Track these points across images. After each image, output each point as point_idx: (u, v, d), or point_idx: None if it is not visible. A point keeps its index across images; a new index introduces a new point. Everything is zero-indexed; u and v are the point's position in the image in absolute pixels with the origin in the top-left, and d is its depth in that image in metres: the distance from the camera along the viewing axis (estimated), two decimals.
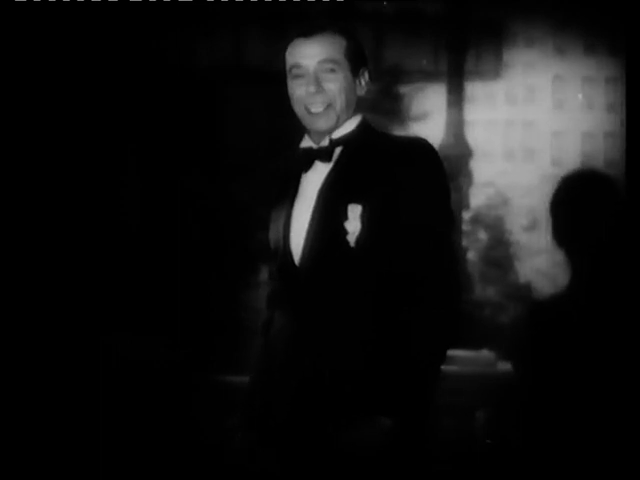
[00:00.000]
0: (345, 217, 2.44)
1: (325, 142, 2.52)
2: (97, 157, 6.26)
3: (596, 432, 2.68)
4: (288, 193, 2.56)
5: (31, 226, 5.71)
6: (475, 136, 7.26)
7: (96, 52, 6.18)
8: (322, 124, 2.50)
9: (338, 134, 2.52)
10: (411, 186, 2.44)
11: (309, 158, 2.54)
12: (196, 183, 6.72)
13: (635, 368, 2.67)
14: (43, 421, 5.20)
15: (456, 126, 7.20)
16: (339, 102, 2.49)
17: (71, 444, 5.14)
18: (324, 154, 2.52)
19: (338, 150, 2.53)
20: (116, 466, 5.12)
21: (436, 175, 2.48)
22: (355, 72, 2.52)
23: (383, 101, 7.15)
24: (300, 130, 2.57)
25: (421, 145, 2.49)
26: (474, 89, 7.31)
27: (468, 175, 7.06)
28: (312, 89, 2.47)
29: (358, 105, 2.55)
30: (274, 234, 2.57)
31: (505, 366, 5.70)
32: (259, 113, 6.82)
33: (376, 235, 2.43)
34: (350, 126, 2.54)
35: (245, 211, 6.30)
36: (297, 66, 2.48)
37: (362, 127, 2.54)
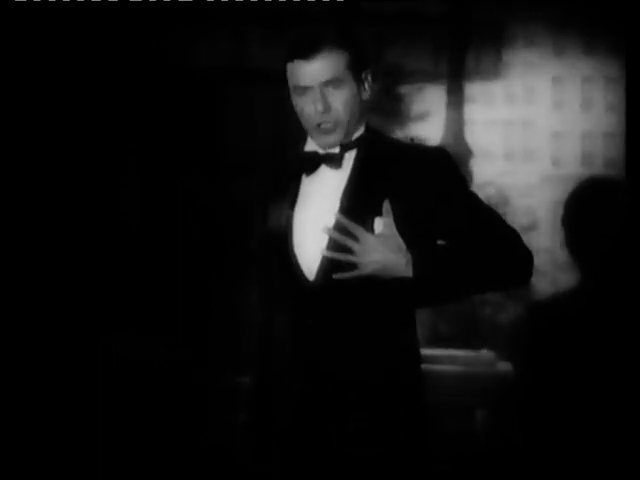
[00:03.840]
0: (372, 230, 2.42)
1: (335, 148, 2.49)
2: (97, 157, 6.26)
3: (596, 432, 2.68)
4: (285, 197, 2.53)
5: (31, 226, 5.71)
6: (475, 136, 7.26)
7: (96, 52, 6.18)
8: (331, 140, 2.48)
9: (348, 139, 2.50)
10: (448, 193, 2.44)
11: (314, 162, 2.51)
12: (196, 183, 6.72)
13: (636, 368, 2.67)
14: (44, 421, 5.20)
15: (456, 126, 7.20)
16: (347, 117, 2.47)
17: (72, 443, 5.13)
18: (334, 160, 2.49)
19: (348, 156, 2.50)
20: (116, 466, 5.11)
21: (465, 180, 2.48)
22: (358, 79, 2.50)
23: (383, 101, 7.14)
24: (301, 130, 2.55)
25: (443, 154, 2.48)
26: (474, 89, 7.30)
27: (468, 175, 7.06)
28: (320, 107, 2.45)
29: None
30: (273, 239, 2.54)
31: (505, 366, 5.71)
32: (259, 113, 6.82)
33: (411, 242, 2.41)
34: (358, 132, 2.52)
35: (245, 211, 6.29)
36: (301, 87, 2.46)
37: (369, 131, 2.53)
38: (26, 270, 5.62)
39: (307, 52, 2.43)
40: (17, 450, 5.01)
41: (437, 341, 6.71)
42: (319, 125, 2.46)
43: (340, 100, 2.46)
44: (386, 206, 2.36)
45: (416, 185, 2.43)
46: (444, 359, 5.81)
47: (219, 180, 6.71)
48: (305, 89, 2.45)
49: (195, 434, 5.31)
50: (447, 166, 2.46)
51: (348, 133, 2.49)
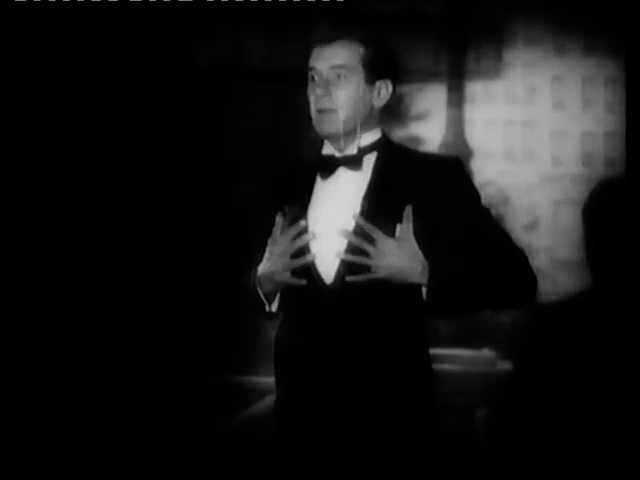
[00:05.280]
0: (393, 235, 2.42)
1: (353, 150, 2.51)
2: (97, 158, 6.27)
3: (597, 431, 2.68)
4: (297, 200, 2.54)
5: (32, 227, 5.71)
6: (475, 136, 7.26)
7: (96, 53, 6.19)
8: (325, 127, 2.51)
9: (365, 142, 2.52)
10: (463, 202, 2.46)
11: (332, 165, 2.52)
12: (196, 183, 6.72)
13: (637, 368, 2.67)
14: (44, 420, 5.21)
15: (456, 126, 7.20)
16: (345, 108, 2.49)
17: (72, 443, 5.14)
18: (354, 162, 2.51)
19: (367, 159, 2.52)
20: (116, 465, 5.12)
21: (478, 195, 2.52)
22: (371, 80, 2.52)
23: None
24: (302, 130, 2.57)
25: (458, 166, 2.52)
26: (474, 89, 7.31)
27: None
28: (320, 92, 2.49)
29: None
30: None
31: (505, 365, 5.71)
32: (260, 113, 6.82)
33: (423, 252, 2.42)
34: (374, 136, 2.54)
35: (245, 211, 6.30)
36: (312, 69, 2.52)
37: (385, 139, 2.55)
38: (26, 270, 5.62)
39: (326, 39, 2.49)
40: (17, 448, 5.01)
41: (438, 340, 6.71)
42: (319, 112, 2.50)
43: (343, 89, 2.49)
44: (407, 212, 2.38)
45: (432, 195, 2.45)
46: (445, 358, 5.81)
47: (219, 180, 6.71)
48: (315, 72, 2.50)
49: (194, 433, 5.31)
50: (462, 179, 2.49)
51: (345, 127, 2.50)
